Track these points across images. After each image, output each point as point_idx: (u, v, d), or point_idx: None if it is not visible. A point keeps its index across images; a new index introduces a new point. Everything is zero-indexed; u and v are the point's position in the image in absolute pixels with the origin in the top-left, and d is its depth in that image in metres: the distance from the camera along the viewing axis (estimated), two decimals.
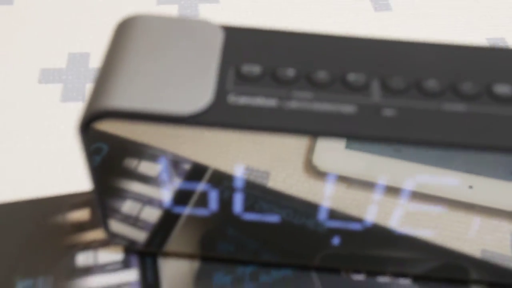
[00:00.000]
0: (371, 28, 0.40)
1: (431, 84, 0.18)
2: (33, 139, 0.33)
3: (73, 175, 0.31)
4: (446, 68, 0.19)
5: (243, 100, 0.18)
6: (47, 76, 0.37)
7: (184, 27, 0.19)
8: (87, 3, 0.43)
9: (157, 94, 0.17)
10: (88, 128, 0.17)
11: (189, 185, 0.19)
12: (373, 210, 0.20)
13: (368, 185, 0.19)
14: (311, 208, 0.20)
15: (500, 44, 0.38)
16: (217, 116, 0.17)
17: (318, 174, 0.19)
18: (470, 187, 0.19)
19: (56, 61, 0.38)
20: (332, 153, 0.18)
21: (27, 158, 0.32)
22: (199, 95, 0.17)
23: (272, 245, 0.21)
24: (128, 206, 0.20)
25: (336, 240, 0.21)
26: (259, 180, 0.19)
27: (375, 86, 0.18)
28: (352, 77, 0.18)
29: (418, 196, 0.19)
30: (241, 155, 0.18)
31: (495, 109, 0.18)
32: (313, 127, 0.17)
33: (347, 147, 0.18)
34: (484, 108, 0.18)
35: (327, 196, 0.19)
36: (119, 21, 0.20)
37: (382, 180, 0.19)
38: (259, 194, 0.19)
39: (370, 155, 0.18)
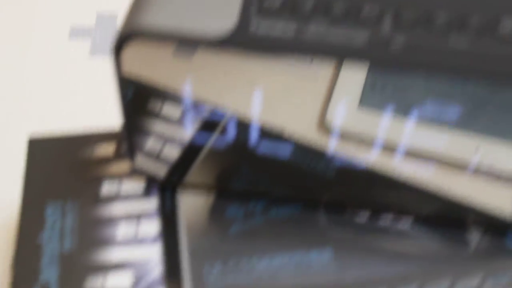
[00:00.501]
0: None
1: (440, 16, 0.20)
2: (64, 88, 0.35)
3: (100, 119, 0.33)
4: (455, 2, 0.20)
5: (264, 27, 0.19)
6: (76, 33, 0.39)
7: None
8: None
9: (185, 16, 0.19)
10: (121, 49, 0.19)
11: (211, 115, 0.21)
12: (378, 151, 0.21)
13: (377, 141, 0.20)
14: (319, 152, 0.21)
15: None
16: (240, 39, 0.19)
17: (331, 132, 0.20)
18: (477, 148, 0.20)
19: (85, 20, 0.40)
20: (345, 111, 0.19)
21: (60, 104, 0.34)
22: (224, 19, 0.19)
23: (282, 181, 0.23)
24: (152, 140, 0.22)
25: (342, 178, 0.22)
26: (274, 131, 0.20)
27: (388, 19, 0.20)
28: (366, 9, 0.20)
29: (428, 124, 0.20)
30: (258, 86, 0.20)
31: (498, 45, 0.19)
32: (325, 53, 0.18)
33: (360, 105, 0.19)
34: (488, 42, 0.19)
35: (337, 149, 0.21)
36: None
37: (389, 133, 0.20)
38: (273, 134, 0.21)
39: (382, 113, 0.20)
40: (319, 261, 0.22)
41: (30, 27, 0.40)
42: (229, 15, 0.19)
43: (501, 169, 0.21)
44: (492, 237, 0.23)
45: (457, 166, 0.21)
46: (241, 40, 0.19)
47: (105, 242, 0.23)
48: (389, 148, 0.21)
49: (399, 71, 0.18)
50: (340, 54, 0.18)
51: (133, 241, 0.23)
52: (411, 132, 0.20)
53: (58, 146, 0.25)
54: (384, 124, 0.20)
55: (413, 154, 0.21)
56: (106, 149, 0.25)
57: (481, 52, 0.19)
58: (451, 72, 0.18)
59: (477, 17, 0.20)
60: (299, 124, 0.21)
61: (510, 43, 0.19)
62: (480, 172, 0.21)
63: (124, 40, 0.19)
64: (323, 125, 0.20)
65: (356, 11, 0.20)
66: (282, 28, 0.19)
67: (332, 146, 0.21)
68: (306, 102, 0.20)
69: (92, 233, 0.23)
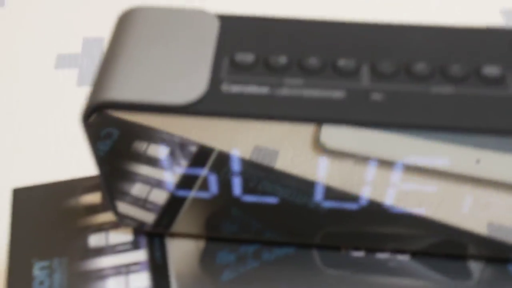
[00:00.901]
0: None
1: (420, 67, 0.19)
2: (51, 124, 0.35)
3: (87, 159, 0.32)
4: (435, 51, 0.20)
5: (236, 88, 0.19)
6: (63, 61, 0.38)
7: (182, 18, 0.20)
8: None
9: (154, 84, 0.19)
10: (89, 119, 0.18)
11: (192, 171, 0.20)
12: (374, 186, 0.20)
13: (372, 161, 0.20)
14: (312, 187, 0.21)
15: None
16: (210, 105, 0.18)
17: (325, 152, 0.20)
18: (478, 161, 0.19)
19: (71, 46, 0.40)
20: (339, 131, 0.19)
21: (45, 143, 0.33)
22: (194, 84, 0.19)
23: (274, 224, 0.23)
24: (136, 189, 0.22)
25: (335, 219, 0.22)
26: (267, 159, 0.20)
27: (365, 71, 0.19)
28: (342, 62, 0.19)
29: (420, 172, 0.20)
30: (240, 139, 0.19)
31: (483, 90, 0.19)
32: (301, 113, 0.18)
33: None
34: (472, 90, 0.19)
35: (332, 173, 0.20)
36: (120, 13, 0.21)
37: (386, 155, 0.19)
38: (262, 175, 0.20)
39: (376, 132, 0.19)
40: None
41: (14, 57, 0.39)
42: (200, 78, 0.19)
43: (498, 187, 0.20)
44: (494, 266, 0.23)
45: (456, 193, 0.21)
46: (213, 104, 0.18)
47: None
48: (389, 168, 0.20)
49: (384, 126, 0.18)
50: (318, 114, 0.18)
51: None
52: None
53: (44, 195, 0.25)
54: (378, 142, 0.19)
55: (411, 179, 0.20)
56: (93, 197, 0.25)
57: (467, 97, 0.18)
58: (438, 125, 0.18)
59: (457, 66, 0.19)
60: (294, 147, 0.20)
61: (494, 86, 0.19)
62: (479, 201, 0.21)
63: (92, 111, 0.18)
64: (318, 145, 0.20)
65: (332, 64, 0.19)
66: (256, 85, 0.19)
67: (326, 169, 0.20)
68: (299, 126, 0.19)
69: None
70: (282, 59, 0.19)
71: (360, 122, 0.18)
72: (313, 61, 0.19)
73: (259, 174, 0.20)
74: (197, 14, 0.21)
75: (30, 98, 0.37)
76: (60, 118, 0.34)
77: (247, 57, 0.19)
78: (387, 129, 0.18)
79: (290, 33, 0.20)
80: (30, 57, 0.39)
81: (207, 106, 0.18)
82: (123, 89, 0.18)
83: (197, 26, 0.20)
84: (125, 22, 0.21)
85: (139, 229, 0.24)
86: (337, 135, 0.19)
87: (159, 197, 0.22)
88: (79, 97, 0.36)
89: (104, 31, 0.41)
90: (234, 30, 0.20)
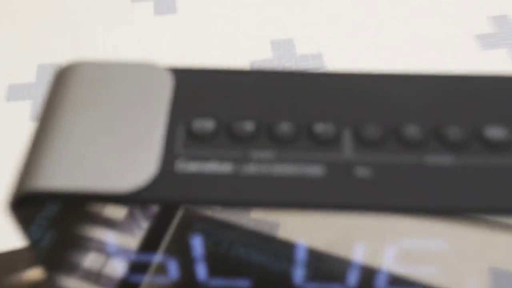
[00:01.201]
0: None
1: (412, 131, 0.16)
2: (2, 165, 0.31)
3: None
4: (429, 107, 0.17)
5: (193, 166, 0.16)
6: (15, 92, 0.35)
7: (128, 75, 0.17)
8: (57, 10, 0.40)
9: (94, 166, 0.15)
10: (17, 208, 0.15)
11: (145, 256, 0.17)
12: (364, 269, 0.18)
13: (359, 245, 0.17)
14: (292, 267, 0.18)
15: (502, 21, 0.35)
16: (161, 192, 0.15)
17: None
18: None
19: (24, 75, 0.36)
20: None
21: None
22: (143, 164, 0.15)
23: None
24: (87, 264, 0.19)
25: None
26: (266, 230, 0.17)
27: (347, 138, 0.16)
28: (320, 127, 0.16)
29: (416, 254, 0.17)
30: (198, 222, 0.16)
31: (487, 158, 0.16)
32: (272, 198, 0.15)
33: None
34: (474, 159, 0.16)
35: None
36: (57, 69, 0.18)
37: (374, 239, 0.16)
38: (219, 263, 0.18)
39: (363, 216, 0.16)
40: None
41: None
42: (150, 155, 0.16)
43: None
44: None
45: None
46: (165, 190, 0.15)
47: None
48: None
49: (372, 210, 0.15)
50: (291, 198, 0.15)
51: None
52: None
53: None
54: None
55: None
56: (37, 272, 0.22)
57: (469, 168, 0.16)
58: (435, 211, 0.15)
59: (455, 128, 0.16)
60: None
61: (500, 152, 0.16)
62: None
63: (19, 201, 0.15)
64: None
65: (308, 129, 0.16)
66: (217, 161, 0.16)
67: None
68: None
69: None
70: (249, 125, 0.16)
71: (343, 206, 0.15)
72: (285, 128, 0.16)
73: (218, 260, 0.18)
74: (146, 69, 0.17)
75: None
76: (8, 166, 0.31)
77: (206, 124, 0.16)
78: (375, 213, 0.15)
79: (258, 90, 0.17)
80: None
81: (157, 193, 0.15)
82: (56, 175, 0.15)
83: (147, 85, 0.17)
84: (62, 82, 0.17)
85: None
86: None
87: (115, 272, 0.19)
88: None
89: (62, 56, 0.37)
90: (190, 87, 0.17)
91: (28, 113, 0.34)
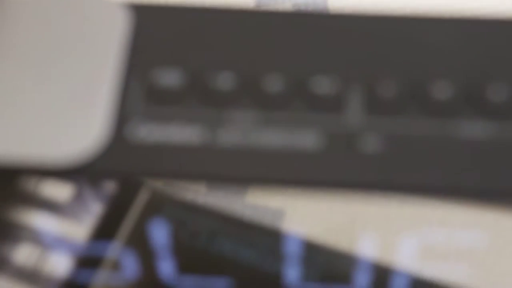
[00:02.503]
0: None
1: (441, 90, 0.15)
2: None
3: None
4: (466, 61, 0.16)
5: (154, 131, 0.15)
6: None
7: (72, 11, 0.16)
8: None
9: (25, 134, 0.14)
10: None
11: (96, 249, 0.17)
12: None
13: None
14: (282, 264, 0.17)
15: None
16: (112, 164, 0.14)
17: None
18: None
19: None
20: None
21: None
22: (87, 131, 0.14)
23: None
24: (20, 259, 0.18)
25: None
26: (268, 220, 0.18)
27: (354, 98, 0.15)
28: (319, 84, 0.15)
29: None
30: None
31: None
32: (253, 173, 0.14)
33: None
34: None
35: None
36: None
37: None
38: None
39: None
40: None
41: None
42: (98, 119, 0.15)
43: None
44: None
45: None
46: (114, 163, 0.14)
47: None
48: None
49: (384, 192, 0.14)
50: (277, 175, 0.14)
51: None
52: None
53: None
54: None
55: None
56: None
57: (507, 137, 0.14)
58: (461, 192, 0.14)
59: (496, 87, 0.15)
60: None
61: None
62: None
63: None
64: None
65: (303, 87, 0.15)
66: (184, 125, 0.15)
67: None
68: None
69: None
70: (227, 80, 0.15)
71: (342, 185, 0.14)
72: (273, 83, 0.15)
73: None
74: (97, 4, 0.16)
75: None
76: None
77: (172, 78, 0.15)
78: (386, 194, 0.14)
79: (240, 34, 0.16)
80: None
81: (106, 166, 0.14)
82: None
83: (96, 25, 0.16)
84: None
85: None
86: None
87: (56, 269, 0.18)
88: None
89: None
90: (154, 29, 0.16)
91: None
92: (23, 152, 0.14)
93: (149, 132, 0.15)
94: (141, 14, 0.16)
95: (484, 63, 0.16)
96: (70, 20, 0.16)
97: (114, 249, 0.17)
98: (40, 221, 0.16)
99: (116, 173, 0.14)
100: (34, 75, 0.15)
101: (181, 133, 0.15)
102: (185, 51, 0.16)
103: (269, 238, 0.18)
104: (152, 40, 0.16)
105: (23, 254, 0.18)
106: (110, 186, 0.16)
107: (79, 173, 0.14)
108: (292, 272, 0.17)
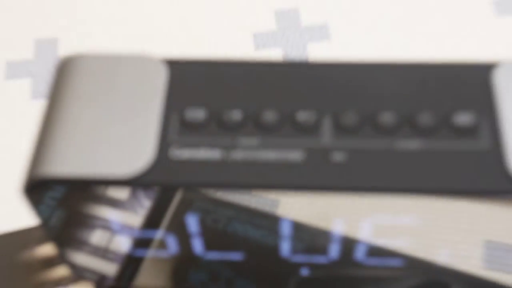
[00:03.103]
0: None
1: (387, 117, 0.19)
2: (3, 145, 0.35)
3: None
4: (404, 95, 0.20)
5: (186, 153, 0.19)
6: (14, 70, 0.39)
7: (125, 67, 0.20)
8: None
9: (97, 154, 0.19)
10: (31, 193, 0.19)
11: (147, 233, 0.21)
12: (343, 240, 0.21)
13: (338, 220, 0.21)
14: (278, 242, 0.21)
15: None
16: (157, 176, 0.18)
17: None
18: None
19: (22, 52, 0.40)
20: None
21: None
22: (140, 151, 0.19)
23: (243, 274, 0.23)
24: (95, 240, 0.22)
25: (306, 270, 0.23)
26: (267, 208, 0.20)
27: (326, 125, 0.19)
28: (302, 116, 0.19)
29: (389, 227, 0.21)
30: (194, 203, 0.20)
31: (454, 143, 0.19)
32: (256, 181, 0.18)
33: None
34: (441, 144, 0.19)
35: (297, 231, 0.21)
36: (60, 60, 0.21)
37: (350, 215, 0.20)
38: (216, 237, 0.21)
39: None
40: None
41: None
42: (147, 143, 0.19)
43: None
44: None
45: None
46: (161, 175, 0.18)
47: None
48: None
49: (346, 191, 0.18)
50: (273, 181, 0.18)
51: None
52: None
53: None
54: None
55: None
56: (49, 248, 0.26)
57: (436, 152, 0.19)
58: (402, 190, 0.18)
59: (427, 114, 0.19)
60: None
61: (466, 138, 0.19)
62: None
63: (32, 186, 0.19)
64: None
65: (291, 118, 0.19)
66: (208, 148, 0.19)
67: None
68: None
69: None
70: (236, 115, 0.19)
71: (319, 188, 0.18)
72: (269, 116, 0.19)
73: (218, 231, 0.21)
74: (143, 61, 0.20)
75: None
76: (11, 144, 0.35)
77: (198, 114, 0.19)
78: (350, 193, 0.19)
79: (246, 80, 0.20)
80: None
81: (154, 178, 0.18)
82: (64, 162, 0.18)
83: (143, 76, 0.20)
84: (64, 73, 0.20)
85: (100, 283, 0.24)
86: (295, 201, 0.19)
87: (118, 253, 0.23)
88: (34, 114, 0.37)
89: (58, 29, 0.41)
90: (184, 78, 0.20)
91: (28, 92, 0.38)
92: (98, 169, 0.18)
93: (183, 153, 0.19)
94: (175, 67, 0.20)
95: (416, 97, 0.19)
96: (127, 73, 0.20)
97: (160, 233, 0.21)
98: (108, 213, 0.20)
99: (158, 184, 0.18)
100: (104, 114, 0.19)
101: (204, 153, 0.19)
102: (207, 94, 0.20)
103: (269, 221, 0.20)
104: (183, 86, 0.20)
105: (97, 236, 0.21)
106: (156, 189, 0.19)
107: (135, 183, 0.18)
108: (285, 246, 0.21)
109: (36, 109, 0.37)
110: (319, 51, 0.37)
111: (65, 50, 0.40)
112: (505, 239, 0.20)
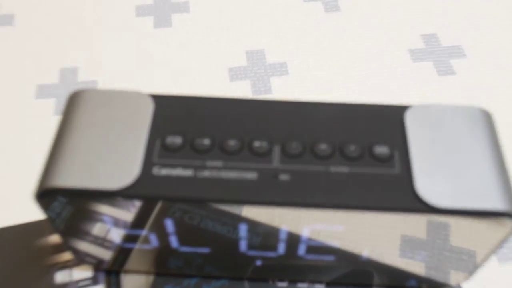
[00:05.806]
0: (321, 28, 0.40)
1: (322, 147, 0.19)
2: (29, 151, 0.34)
3: None
4: (338, 129, 0.19)
5: (165, 171, 0.18)
6: (42, 91, 0.38)
7: (120, 100, 0.20)
8: (75, 19, 0.43)
9: (94, 170, 0.18)
10: (41, 199, 0.18)
11: (134, 231, 0.21)
12: (288, 242, 0.20)
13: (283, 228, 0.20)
14: (236, 242, 0.21)
15: (432, 40, 0.38)
16: (141, 189, 0.18)
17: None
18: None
19: (49, 77, 0.39)
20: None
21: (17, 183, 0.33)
22: (128, 169, 0.18)
23: (211, 261, 0.23)
24: (94, 232, 0.22)
25: (261, 260, 0.22)
26: (235, 210, 0.19)
27: (276, 152, 0.19)
28: (257, 144, 0.19)
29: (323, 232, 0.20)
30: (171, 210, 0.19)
31: (374, 169, 0.18)
32: (218, 196, 0.18)
33: None
34: (364, 169, 0.18)
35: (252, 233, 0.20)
36: (70, 93, 0.20)
37: (293, 224, 0.19)
38: (193, 232, 0.21)
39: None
40: None
41: None
42: (134, 162, 0.18)
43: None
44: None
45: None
46: (143, 188, 0.18)
47: None
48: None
49: (289, 205, 0.18)
50: (232, 196, 0.18)
51: None
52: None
53: (15, 237, 0.25)
54: None
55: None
56: (57, 238, 0.25)
57: (360, 176, 0.18)
58: (333, 206, 0.18)
59: (353, 145, 0.19)
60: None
61: (383, 165, 0.19)
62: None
63: (42, 194, 0.18)
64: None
65: (249, 145, 0.19)
66: (182, 168, 0.18)
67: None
68: None
69: None
70: (206, 142, 0.19)
71: (268, 203, 0.18)
72: (232, 143, 0.19)
73: (191, 229, 0.21)
74: (134, 96, 0.20)
75: (10, 127, 0.36)
76: (37, 151, 0.34)
77: (176, 140, 0.19)
78: (292, 207, 0.18)
79: (215, 113, 0.20)
80: (11, 88, 0.38)
81: (137, 190, 0.18)
82: (67, 176, 0.18)
83: (134, 108, 0.20)
84: (71, 104, 0.20)
85: (98, 266, 0.24)
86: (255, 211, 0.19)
87: (109, 249, 0.22)
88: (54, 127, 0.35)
89: (79, 61, 0.40)
90: (166, 110, 0.20)
91: (52, 109, 0.37)
92: (95, 183, 0.18)
93: (162, 171, 0.18)
94: (159, 101, 0.20)
95: (346, 130, 0.19)
96: (121, 105, 0.19)
97: (145, 232, 0.20)
98: (106, 210, 0.20)
99: (142, 196, 0.18)
100: (101, 138, 0.19)
101: (180, 172, 0.18)
102: (184, 124, 0.19)
103: (233, 220, 0.19)
104: (165, 117, 0.19)
105: (97, 229, 0.20)
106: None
107: (123, 195, 0.18)
108: (243, 244, 0.21)
109: (56, 123, 0.36)
110: (279, 83, 0.36)
111: (83, 76, 0.39)
112: (416, 234, 0.20)
